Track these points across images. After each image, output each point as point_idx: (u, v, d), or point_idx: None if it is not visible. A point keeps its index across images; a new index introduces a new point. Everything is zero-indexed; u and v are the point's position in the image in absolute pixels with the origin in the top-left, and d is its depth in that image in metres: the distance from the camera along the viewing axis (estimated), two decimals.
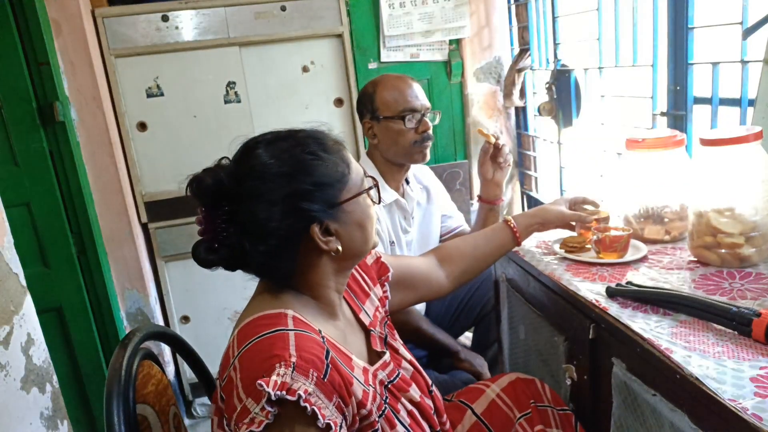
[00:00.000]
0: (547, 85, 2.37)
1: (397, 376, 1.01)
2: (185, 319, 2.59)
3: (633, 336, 0.98)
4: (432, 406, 1.04)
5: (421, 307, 1.84)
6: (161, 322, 2.54)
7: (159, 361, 1.10)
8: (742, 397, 0.78)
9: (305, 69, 2.51)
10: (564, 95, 2.32)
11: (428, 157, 1.69)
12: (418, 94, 1.67)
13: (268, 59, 2.47)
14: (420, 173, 1.86)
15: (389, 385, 0.98)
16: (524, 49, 2.59)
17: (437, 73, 2.67)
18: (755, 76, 1.39)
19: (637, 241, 1.37)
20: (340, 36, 2.49)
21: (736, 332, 0.93)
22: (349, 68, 2.52)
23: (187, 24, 2.36)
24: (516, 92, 2.65)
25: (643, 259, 1.30)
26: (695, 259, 1.25)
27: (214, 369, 0.98)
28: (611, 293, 1.12)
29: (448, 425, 1.08)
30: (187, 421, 2.58)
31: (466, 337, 2.08)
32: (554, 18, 2.28)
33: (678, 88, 1.66)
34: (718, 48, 1.59)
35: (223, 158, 0.94)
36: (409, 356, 1.08)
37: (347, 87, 2.54)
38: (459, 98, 2.73)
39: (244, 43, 2.42)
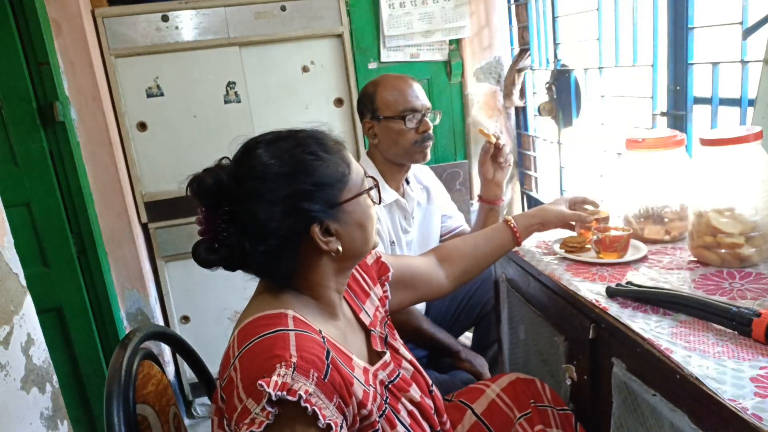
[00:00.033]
0: (547, 85, 2.37)
1: (398, 376, 1.01)
2: (185, 319, 2.59)
3: (633, 336, 0.98)
4: (432, 406, 1.04)
5: (421, 307, 1.84)
6: (161, 322, 2.54)
7: (159, 361, 1.10)
8: (742, 397, 0.78)
9: (305, 69, 2.51)
10: (564, 95, 2.32)
11: (428, 157, 1.70)
12: (419, 94, 1.67)
13: (268, 59, 2.47)
14: (420, 173, 1.86)
15: (389, 385, 0.98)
16: (524, 49, 2.59)
17: (437, 73, 2.67)
18: (755, 76, 1.39)
19: (637, 241, 1.37)
20: (340, 36, 2.49)
21: (736, 332, 0.93)
22: (349, 68, 2.52)
23: (187, 24, 2.36)
24: (516, 92, 2.65)
25: (643, 259, 1.30)
26: (695, 259, 1.25)
27: (214, 369, 0.98)
28: (611, 293, 1.12)
29: (448, 425, 1.08)
30: (187, 421, 2.58)
31: (466, 337, 2.08)
32: (554, 18, 2.28)
33: (678, 88, 1.67)
34: (718, 48, 1.59)
35: (223, 158, 0.94)
36: (409, 356, 1.08)
37: (347, 87, 2.55)
38: (459, 98, 2.73)
39: (244, 43, 2.42)
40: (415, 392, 1.01)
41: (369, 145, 1.75)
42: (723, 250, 1.18)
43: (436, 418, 1.03)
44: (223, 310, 2.56)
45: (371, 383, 0.92)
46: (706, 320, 0.98)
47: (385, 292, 1.14)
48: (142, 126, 2.41)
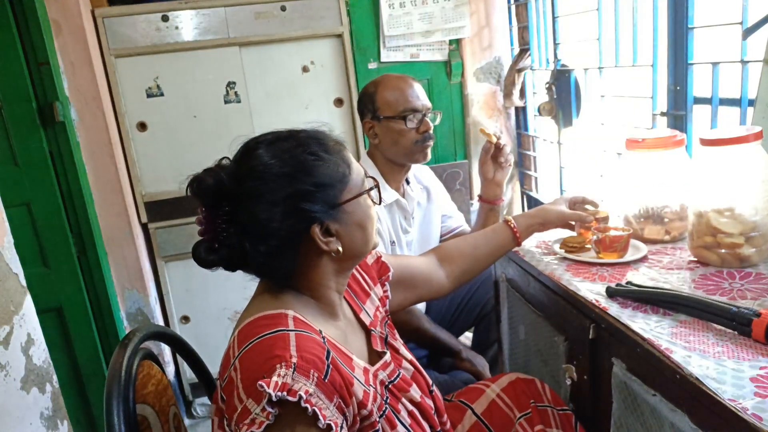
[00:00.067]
0: (547, 85, 2.37)
1: (398, 376, 1.01)
2: (185, 319, 2.59)
3: (633, 336, 0.98)
4: (432, 406, 1.04)
5: (421, 307, 1.84)
6: (161, 322, 2.54)
7: (159, 361, 1.10)
8: (742, 397, 0.78)
9: (305, 69, 2.51)
10: (564, 95, 2.32)
11: (429, 157, 1.70)
12: (419, 94, 1.67)
13: (268, 59, 2.47)
14: (420, 173, 1.86)
15: (390, 386, 0.98)
16: (524, 49, 2.59)
17: (437, 73, 2.67)
18: (755, 76, 1.39)
19: (637, 241, 1.37)
20: (340, 36, 2.49)
21: (736, 332, 0.93)
22: (349, 68, 2.52)
23: (187, 24, 2.36)
24: (516, 92, 2.65)
25: (643, 259, 1.30)
26: (695, 259, 1.25)
27: (214, 369, 0.98)
28: (611, 293, 1.12)
29: (448, 425, 1.08)
30: (187, 421, 2.58)
31: (466, 337, 2.08)
32: (554, 18, 2.28)
33: (678, 88, 1.67)
34: (718, 48, 1.59)
35: (223, 158, 0.94)
36: (409, 356, 1.08)
37: (347, 87, 2.54)
38: (459, 98, 2.73)
39: (244, 43, 2.42)
40: (415, 392, 1.01)
41: (369, 145, 1.75)
42: (723, 250, 1.18)
43: (436, 418, 1.03)
44: (223, 310, 2.56)
45: (371, 383, 0.92)
46: (706, 320, 0.98)
47: (385, 291, 1.14)
48: (142, 126, 2.41)
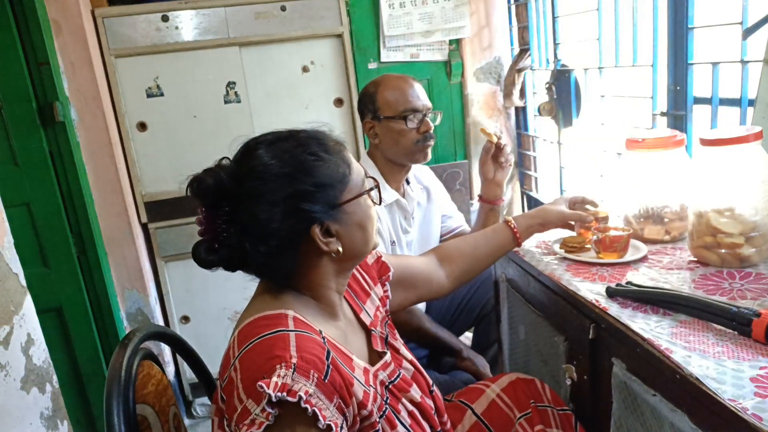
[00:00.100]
0: (547, 85, 2.37)
1: (398, 376, 1.01)
2: (185, 319, 2.59)
3: (633, 336, 0.98)
4: (433, 406, 1.04)
5: (421, 307, 1.84)
6: (161, 322, 2.54)
7: (159, 361, 1.10)
8: (742, 397, 0.78)
9: (305, 69, 2.51)
10: (564, 95, 2.32)
11: (429, 157, 1.70)
12: (420, 94, 1.67)
13: (268, 59, 2.47)
14: (420, 173, 1.86)
15: (390, 386, 0.98)
16: (524, 49, 2.59)
17: (437, 73, 2.67)
18: (755, 76, 1.39)
19: (637, 241, 1.37)
20: (340, 36, 2.49)
21: (736, 332, 0.93)
22: (349, 68, 2.52)
23: (187, 24, 2.36)
24: (516, 92, 2.65)
25: (643, 259, 1.30)
26: (695, 259, 1.25)
27: (214, 369, 0.98)
28: (611, 293, 1.12)
29: (449, 425, 1.08)
30: (187, 421, 2.58)
31: (466, 337, 2.08)
32: (554, 18, 2.28)
33: (678, 88, 1.67)
34: (718, 48, 1.59)
35: (223, 158, 0.94)
36: (410, 356, 1.08)
37: (347, 87, 2.54)
38: (459, 98, 2.73)
39: (244, 43, 2.42)
40: (415, 392, 1.01)
41: (369, 145, 1.75)
42: (723, 250, 1.18)
43: (436, 418, 1.03)
44: (223, 310, 2.56)
45: (371, 384, 0.92)
46: (706, 320, 0.98)
47: (385, 291, 1.14)
48: (142, 126, 2.41)
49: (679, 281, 1.17)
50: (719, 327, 0.96)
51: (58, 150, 2.10)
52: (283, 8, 2.41)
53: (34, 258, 2.10)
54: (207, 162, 0.93)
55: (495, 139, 1.67)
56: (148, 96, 2.39)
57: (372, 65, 2.58)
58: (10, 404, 1.22)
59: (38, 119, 2.03)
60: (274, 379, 0.75)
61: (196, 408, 2.63)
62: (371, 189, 0.97)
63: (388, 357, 1.02)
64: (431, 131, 1.66)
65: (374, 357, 1.01)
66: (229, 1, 2.36)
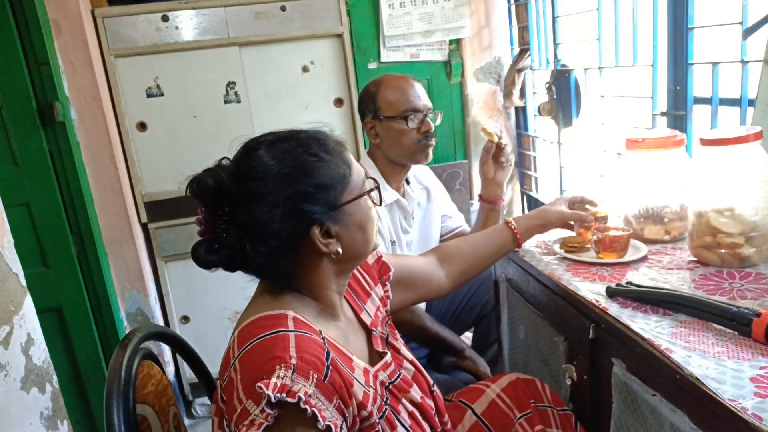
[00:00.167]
0: (547, 85, 2.37)
1: (398, 376, 1.01)
2: (185, 319, 2.59)
3: (633, 336, 0.98)
4: (433, 406, 1.04)
5: (422, 307, 1.83)
6: (161, 322, 2.54)
7: (159, 361, 1.10)
8: (742, 397, 0.78)
9: (305, 69, 2.51)
10: (564, 95, 2.32)
11: (431, 158, 1.70)
12: (421, 94, 1.67)
13: (268, 59, 2.46)
14: (420, 173, 1.86)
15: (390, 386, 0.98)
16: (524, 49, 2.59)
17: (437, 73, 2.67)
18: (755, 76, 1.39)
19: (637, 241, 1.37)
20: (340, 36, 2.49)
21: (736, 332, 0.93)
22: (349, 68, 2.52)
23: (187, 24, 2.36)
24: (516, 92, 2.65)
25: (643, 259, 1.30)
26: (695, 259, 1.25)
27: (214, 369, 0.98)
28: (611, 293, 1.12)
29: (449, 425, 1.08)
30: (187, 421, 2.58)
31: (466, 337, 2.08)
32: (554, 18, 2.28)
33: (678, 88, 1.66)
34: (718, 48, 1.59)
35: (223, 158, 0.93)
36: (410, 356, 1.08)
37: (347, 87, 2.54)
38: (459, 98, 2.73)
39: (244, 43, 2.42)
40: (415, 393, 1.01)
41: (370, 144, 1.75)
42: (723, 250, 1.18)
43: (437, 418, 1.03)
44: (223, 310, 2.56)
45: (371, 384, 0.92)
46: (706, 320, 0.98)
47: (386, 291, 1.14)
48: (142, 126, 2.41)
49: (679, 281, 1.17)
50: (719, 327, 0.96)
51: (58, 150, 2.10)
52: (283, 8, 2.41)
53: (34, 258, 2.10)
54: (207, 162, 0.93)
55: (496, 139, 1.67)
56: (148, 96, 2.39)
57: (372, 65, 2.58)
58: (10, 404, 1.22)
59: (38, 119, 2.03)
60: (274, 379, 0.75)
61: (196, 408, 2.63)
62: (371, 190, 0.97)
63: (388, 357, 1.02)
64: (432, 131, 1.66)
65: (375, 357, 1.01)
66: (229, 1, 2.36)
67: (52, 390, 1.38)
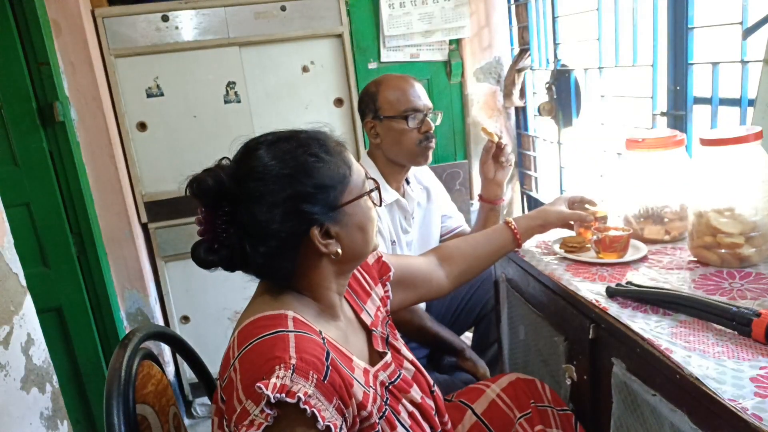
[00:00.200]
0: (547, 85, 2.37)
1: (399, 377, 1.01)
2: (185, 319, 2.59)
3: (633, 336, 0.98)
4: (433, 406, 1.04)
5: (422, 307, 1.83)
6: (161, 322, 2.54)
7: (159, 361, 1.10)
8: (742, 397, 0.78)
9: (305, 69, 2.51)
10: (564, 95, 2.32)
11: (431, 159, 1.70)
12: (421, 94, 1.67)
13: (267, 59, 2.47)
14: (420, 173, 1.86)
15: (390, 387, 0.98)
16: (524, 49, 2.59)
17: (437, 73, 2.67)
18: (755, 76, 1.39)
19: (637, 241, 1.37)
20: (340, 36, 2.49)
21: (736, 332, 0.93)
22: (349, 68, 2.52)
23: (187, 24, 2.36)
24: (516, 92, 2.65)
25: (643, 259, 1.30)
26: (695, 259, 1.25)
27: (214, 369, 0.98)
28: (611, 293, 1.12)
29: (449, 425, 1.08)
30: (187, 421, 2.58)
31: (466, 337, 2.08)
32: (554, 18, 2.28)
33: (678, 88, 1.67)
34: (718, 48, 1.59)
35: (223, 158, 0.93)
36: (410, 356, 1.08)
37: (347, 87, 2.54)
38: (459, 98, 2.73)
39: (244, 43, 2.42)
40: (416, 393, 1.01)
41: (370, 144, 1.75)
42: (723, 250, 1.18)
43: (437, 418, 1.03)
44: (223, 310, 2.56)
45: (371, 384, 0.92)
46: (706, 320, 0.98)
47: (386, 291, 1.14)
48: (142, 126, 2.41)
49: (679, 281, 1.17)
50: (719, 327, 0.96)
51: (58, 150, 2.10)
52: (283, 8, 2.41)
53: (34, 258, 2.10)
54: (207, 162, 0.93)
55: (496, 139, 1.67)
56: (148, 96, 2.39)
57: (372, 65, 2.58)
58: (10, 404, 1.22)
59: (38, 119, 2.03)
60: (273, 380, 0.75)
61: (196, 408, 2.63)
62: (372, 190, 0.97)
63: (388, 357, 1.01)
64: (432, 131, 1.66)
65: (375, 357, 1.01)
66: (229, 1, 2.36)
67: (52, 390, 1.38)
